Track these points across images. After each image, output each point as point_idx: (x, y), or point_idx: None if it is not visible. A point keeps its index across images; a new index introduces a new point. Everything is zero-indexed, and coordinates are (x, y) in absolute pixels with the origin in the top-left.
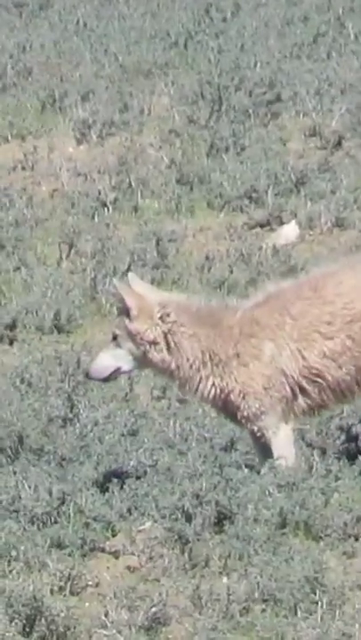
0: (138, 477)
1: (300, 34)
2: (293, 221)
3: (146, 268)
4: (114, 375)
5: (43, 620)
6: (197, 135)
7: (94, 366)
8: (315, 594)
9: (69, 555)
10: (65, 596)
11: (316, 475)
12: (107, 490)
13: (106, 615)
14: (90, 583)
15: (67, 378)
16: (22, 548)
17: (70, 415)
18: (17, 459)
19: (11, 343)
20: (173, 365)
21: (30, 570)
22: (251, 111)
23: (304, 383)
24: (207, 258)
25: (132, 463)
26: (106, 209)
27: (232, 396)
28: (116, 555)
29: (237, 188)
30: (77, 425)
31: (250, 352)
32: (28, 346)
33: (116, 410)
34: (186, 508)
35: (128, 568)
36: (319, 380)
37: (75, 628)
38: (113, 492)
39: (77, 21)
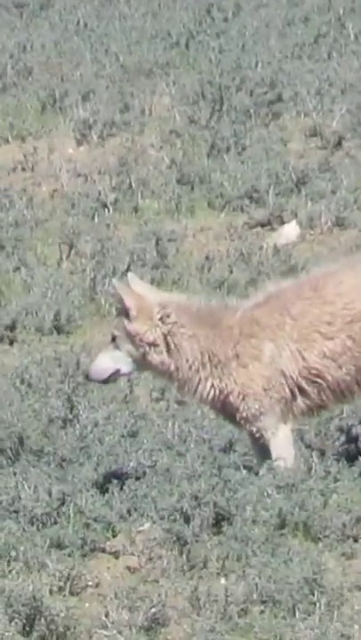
0: (137, 478)
1: (301, 34)
2: (294, 221)
3: (146, 268)
4: (113, 377)
5: (42, 620)
6: (198, 135)
7: (93, 368)
8: (313, 595)
9: (69, 555)
10: (65, 596)
11: (315, 476)
12: (106, 491)
13: (106, 615)
14: (90, 583)
15: (66, 379)
16: (22, 548)
17: (70, 416)
18: (17, 460)
19: (11, 344)
20: (173, 367)
21: (30, 570)
22: (252, 111)
23: (304, 384)
24: (207, 258)
25: (131, 464)
26: (106, 209)
27: (231, 398)
28: (115, 555)
29: (238, 187)
30: (77, 426)
31: (250, 353)
32: (27, 346)
33: (115, 411)
34: (185, 509)
35: (128, 568)
36: (319, 380)
37: (75, 628)
38: (113, 493)
39: (78, 21)
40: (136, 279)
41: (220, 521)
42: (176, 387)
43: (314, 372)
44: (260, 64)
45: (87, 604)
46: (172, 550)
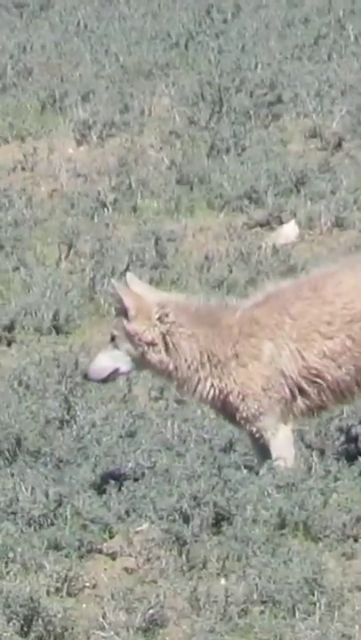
0: (136, 479)
1: (301, 35)
2: (293, 221)
3: (145, 267)
4: (112, 376)
5: (40, 621)
6: (198, 136)
7: (93, 367)
8: (313, 595)
9: (66, 556)
10: (62, 597)
11: (315, 475)
12: (104, 491)
13: (103, 616)
14: (87, 584)
15: (64, 379)
16: (19, 549)
17: (68, 417)
18: (14, 461)
19: (9, 344)
20: (172, 366)
21: (27, 571)
22: (251, 112)
23: (303, 384)
24: (206, 258)
25: (129, 465)
26: (105, 209)
27: (231, 397)
28: (113, 556)
29: (237, 188)
30: (75, 427)
31: (249, 352)
32: (26, 347)
33: (113, 411)
34: (184, 510)
35: (125, 569)
36: (319, 380)
37: (72, 629)
38: (110, 494)
39: (78, 22)
40: (135, 279)
41: (219, 521)
42: (175, 386)
43: (313, 371)
44: (259, 65)
45: (84, 605)
46: (171, 551)
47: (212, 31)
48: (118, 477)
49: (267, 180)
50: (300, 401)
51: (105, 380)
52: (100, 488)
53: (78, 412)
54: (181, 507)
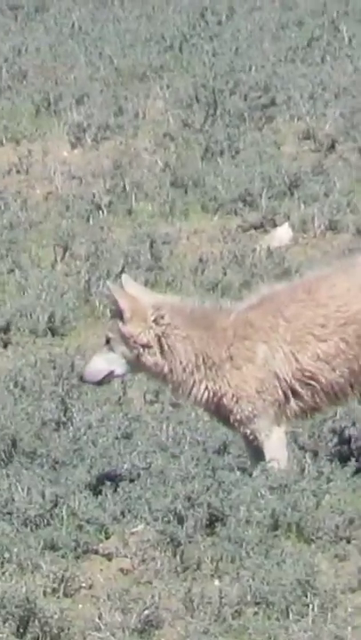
0: (131, 480)
1: (295, 38)
2: (286, 224)
3: (140, 270)
4: (107, 379)
5: (36, 621)
6: (192, 139)
7: (88, 369)
8: (306, 597)
9: (62, 557)
10: (58, 597)
11: (308, 477)
12: (100, 493)
13: (99, 617)
14: (83, 585)
15: (60, 381)
16: (15, 550)
17: (64, 418)
18: (10, 462)
19: (5, 346)
20: (166, 369)
21: (23, 572)
22: (245, 115)
23: (297, 386)
24: (201, 260)
25: (125, 466)
26: (100, 212)
27: (225, 400)
28: (109, 557)
29: (232, 191)
30: (71, 428)
31: (243, 355)
32: (21, 349)
33: (109, 413)
34: (178, 511)
35: (121, 570)
36: (312, 382)
37: (68, 629)
38: (106, 495)
39: (72, 25)
40: (130, 281)
41: (213, 522)
42: (170, 389)
43: (307, 374)
44: (253, 68)
45: (80, 606)
46: (165, 552)
47: (206, 34)
48: (114, 478)
49: (261, 183)
50: (293, 403)
51: (100, 383)
52: (95, 489)
53: (74, 414)
54: (176, 508)
